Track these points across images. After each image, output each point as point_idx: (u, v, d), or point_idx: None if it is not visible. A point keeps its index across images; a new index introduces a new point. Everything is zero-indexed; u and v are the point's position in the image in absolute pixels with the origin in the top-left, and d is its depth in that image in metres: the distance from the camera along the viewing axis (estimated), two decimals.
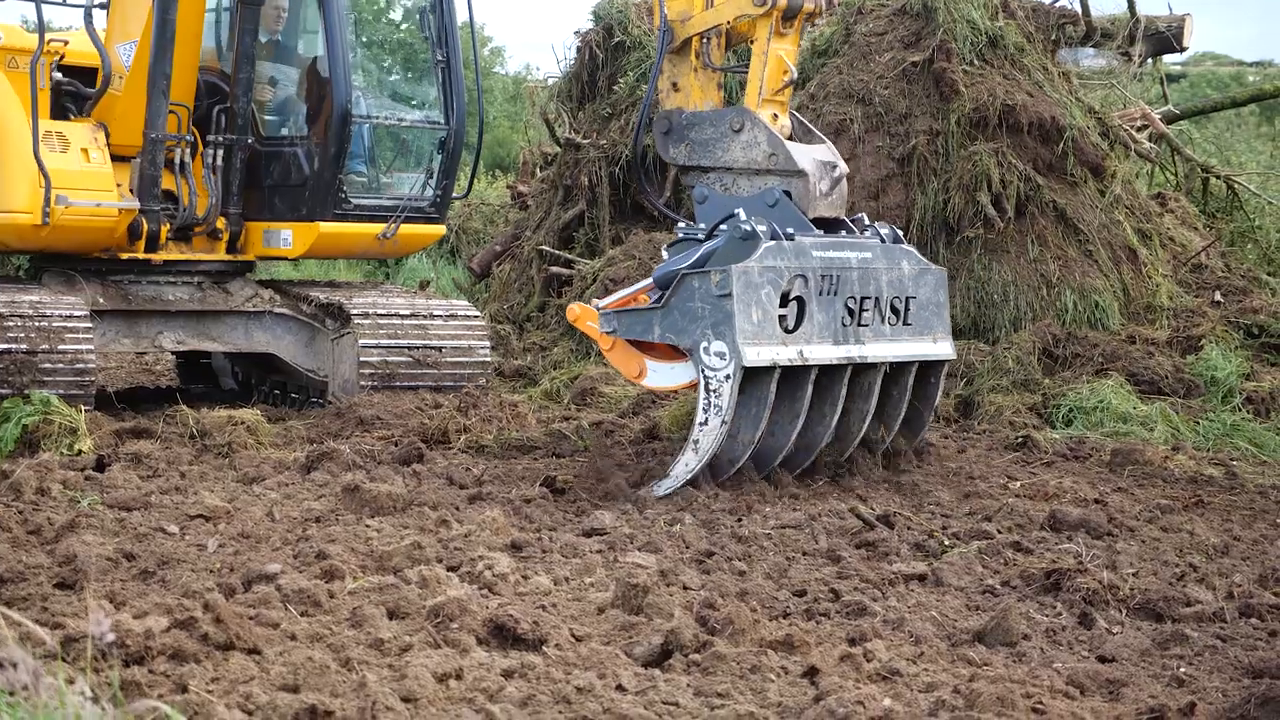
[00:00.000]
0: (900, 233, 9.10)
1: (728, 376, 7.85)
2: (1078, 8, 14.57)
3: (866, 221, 8.96)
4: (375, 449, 8.91)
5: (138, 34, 10.52)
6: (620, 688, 4.79)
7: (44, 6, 10.38)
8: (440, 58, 11.17)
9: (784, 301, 8.10)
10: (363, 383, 10.49)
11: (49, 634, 4.42)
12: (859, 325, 8.43)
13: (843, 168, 8.90)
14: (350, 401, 10.19)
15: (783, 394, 8.09)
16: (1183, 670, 5.35)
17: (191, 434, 9.22)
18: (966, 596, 6.27)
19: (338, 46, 10.66)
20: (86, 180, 10.23)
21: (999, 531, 7.32)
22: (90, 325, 9.94)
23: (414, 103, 11.60)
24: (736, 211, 8.38)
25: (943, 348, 8.95)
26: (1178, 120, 16.25)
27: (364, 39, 11.33)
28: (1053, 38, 14.13)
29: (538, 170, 17.68)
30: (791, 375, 8.11)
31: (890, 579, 6.42)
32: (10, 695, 3.41)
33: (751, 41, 8.80)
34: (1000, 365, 11.48)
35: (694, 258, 8.30)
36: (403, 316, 10.78)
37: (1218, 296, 12.96)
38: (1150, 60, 16.32)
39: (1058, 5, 14.61)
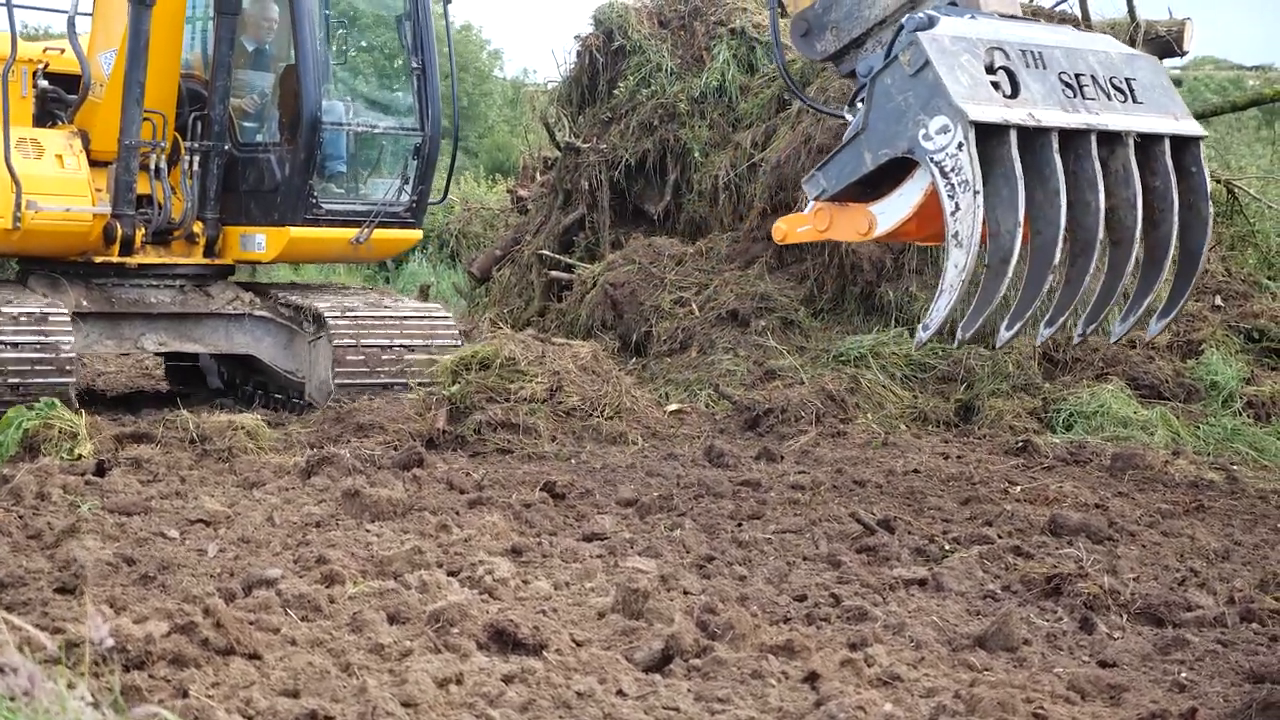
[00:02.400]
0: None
1: (960, 144, 6.84)
2: (1077, 12, 14.58)
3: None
4: (375, 454, 8.91)
5: (117, 43, 10.72)
6: (621, 693, 4.78)
7: (40, 15, 10.77)
8: (416, 65, 11.37)
9: (990, 70, 7.10)
10: (337, 381, 10.69)
11: (49, 639, 4.42)
12: (1084, 99, 7.28)
13: None
14: (350, 406, 10.24)
15: (1031, 174, 6.98)
16: (1184, 675, 5.34)
17: (191, 439, 9.22)
18: (967, 601, 6.26)
19: (308, 55, 10.83)
20: (59, 186, 10.48)
21: (999, 536, 7.31)
22: (69, 327, 10.10)
23: (390, 109, 11.78)
24: (901, 22, 7.39)
25: (1189, 124, 7.68)
26: None
27: (340, 46, 11.51)
28: None
29: (538, 174, 17.71)
30: (1032, 151, 7.03)
31: (891, 584, 6.42)
32: (10, 700, 3.40)
33: None
34: (1000, 369, 11.48)
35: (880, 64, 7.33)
36: (377, 319, 10.93)
37: (1218, 301, 12.95)
38: None
39: (1057, 9, 14.62)
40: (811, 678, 4.97)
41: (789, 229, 7.96)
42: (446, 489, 8.15)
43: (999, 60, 7.10)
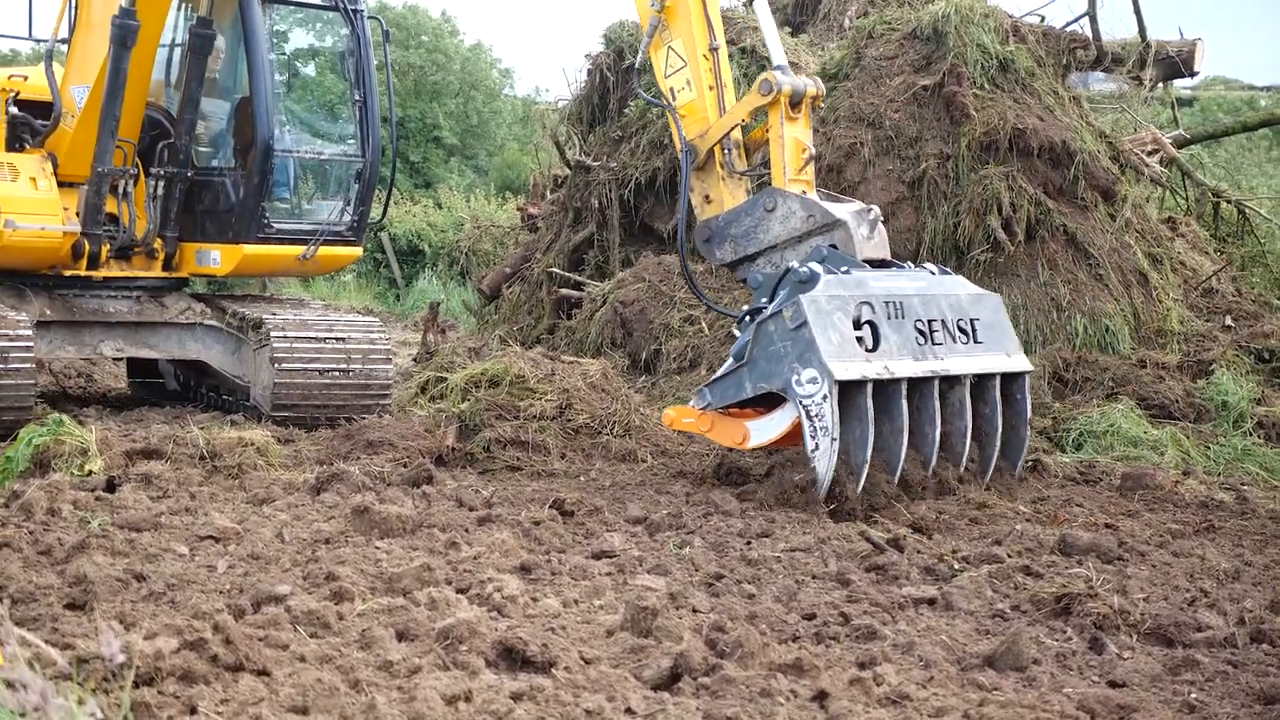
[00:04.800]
0: (948, 269, 9.57)
1: (824, 396, 8.15)
2: (1089, 32, 14.60)
3: (911, 264, 9.35)
4: (385, 471, 8.92)
5: (92, 78, 11.50)
6: (629, 711, 4.78)
7: (7, 42, 11.52)
8: (358, 97, 12.16)
9: (856, 326, 8.40)
10: (278, 381, 11.39)
11: (59, 654, 4.42)
12: (933, 344, 8.70)
13: (877, 212, 9.21)
14: (360, 424, 10.33)
15: (880, 412, 8.32)
16: (1194, 696, 5.33)
17: (201, 455, 9.24)
18: (976, 621, 6.25)
19: (262, 86, 11.61)
20: (33, 206, 11.32)
21: (1009, 555, 7.30)
22: (30, 334, 10.85)
23: (333, 137, 12.63)
24: (790, 265, 8.77)
25: (1019, 360, 9.23)
26: (1188, 145, 16.26)
27: (287, 79, 12.16)
28: (1063, 62, 14.16)
29: (548, 192, 17.74)
30: (884, 393, 8.36)
31: (900, 603, 6.41)
32: (21, 716, 3.41)
33: (766, 135, 9.30)
34: None
35: (766, 313, 8.55)
36: (316, 329, 11.73)
37: (1228, 321, 12.95)
38: (1161, 85, 16.35)
39: (1069, 30, 14.65)
40: (820, 697, 4.96)
41: (677, 417, 9.01)
42: (456, 506, 8.16)
43: (865, 315, 8.46)
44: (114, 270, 11.88)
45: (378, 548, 6.95)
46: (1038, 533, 7.78)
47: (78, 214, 11.56)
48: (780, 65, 9.37)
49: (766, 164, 9.52)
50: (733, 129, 9.38)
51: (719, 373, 8.85)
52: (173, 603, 5.85)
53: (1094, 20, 14.51)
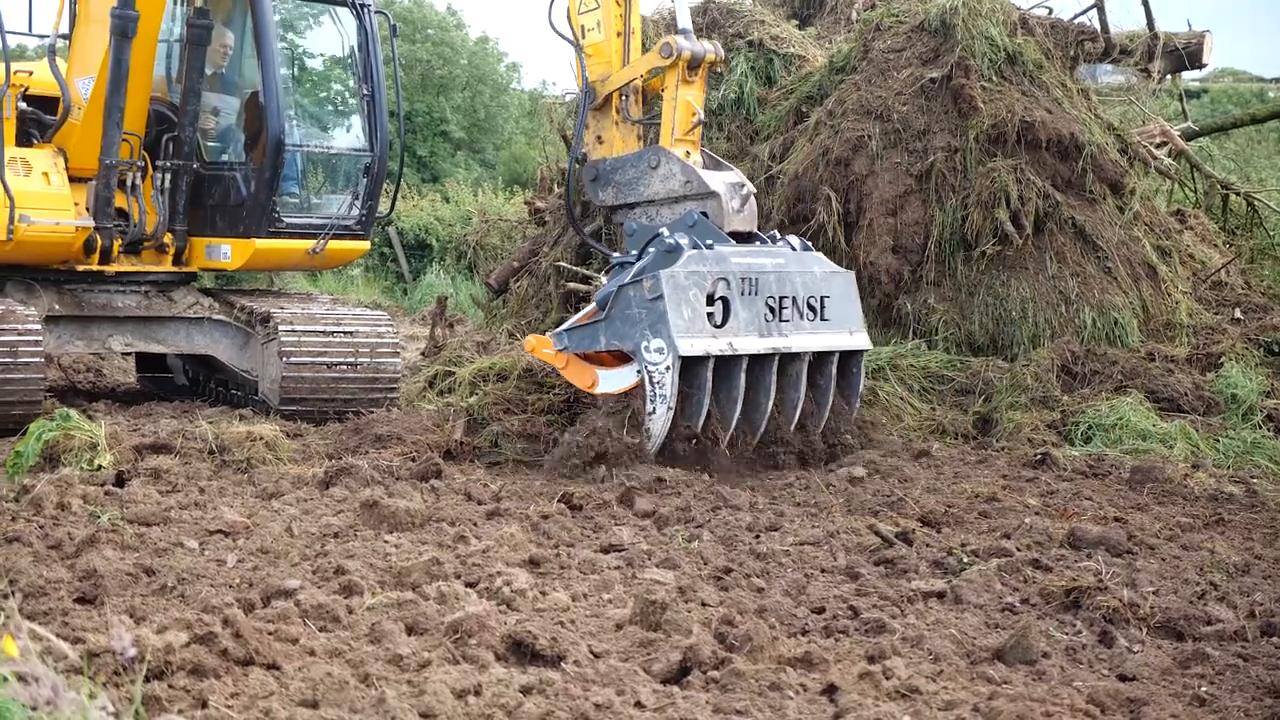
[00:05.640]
0: (810, 244, 10.17)
1: (668, 368, 8.95)
2: (1096, 25, 14.56)
3: (778, 235, 10.00)
4: (393, 465, 8.93)
5: (95, 70, 11.55)
6: (639, 704, 4.78)
7: (7, 38, 11.30)
8: (365, 91, 12.25)
9: (710, 301, 9.14)
10: (286, 375, 11.44)
11: (70, 648, 4.43)
12: (780, 321, 9.45)
13: (750, 187, 9.97)
14: (368, 417, 10.34)
15: (719, 383, 9.14)
16: (1204, 689, 5.33)
17: (210, 450, 9.25)
18: (986, 614, 6.25)
19: (272, 81, 11.71)
20: (47, 201, 11.35)
21: (1018, 549, 7.29)
22: (39, 329, 10.93)
23: (341, 131, 12.78)
24: (661, 230, 9.50)
25: (860, 339, 9.99)
26: (1197, 137, 16.23)
27: (297, 73, 12.23)
28: (1071, 54, 14.12)
29: (555, 186, 17.71)
30: (725, 366, 9.16)
31: (909, 596, 6.41)
32: (33, 710, 3.41)
33: (662, 91, 9.95)
34: (1019, 382, 11.46)
35: (629, 275, 9.31)
36: (324, 323, 11.81)
37: (1237, 314, 12.93)
38: (1169, 77, 16.30)
39: (1076, 22, 14.61)
40: (830, 690, 4.96)
41: (537, 346, 9.67)
42: (464, 500, 8.16)
43: (720, 290, 9.19)
44: (125, 265, 11.94)
45: (387, 542, 6.95)
46: (1047, 526, 7.77)
47: (87, 208, 11.61)
48: (685, 29, 9.98)
49: (658, 115, 10.12)
50: (632, 80, 10.03)
51: (577, 318, 9.55)
52: (182, 597, 5.86)
53: (1102, 12, 14.46)
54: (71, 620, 5.31)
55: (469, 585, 6.10)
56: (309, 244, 12.05)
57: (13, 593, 5.62)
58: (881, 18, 13.84)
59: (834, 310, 9.78)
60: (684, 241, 9.30)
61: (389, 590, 5.97)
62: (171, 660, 4.60)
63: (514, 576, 6.16)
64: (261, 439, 9.36)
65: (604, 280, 9.80)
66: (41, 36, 12.60)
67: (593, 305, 9.54)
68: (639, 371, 9.06)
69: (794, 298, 9.54)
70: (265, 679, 4.69)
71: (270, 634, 5.09)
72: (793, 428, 9.55)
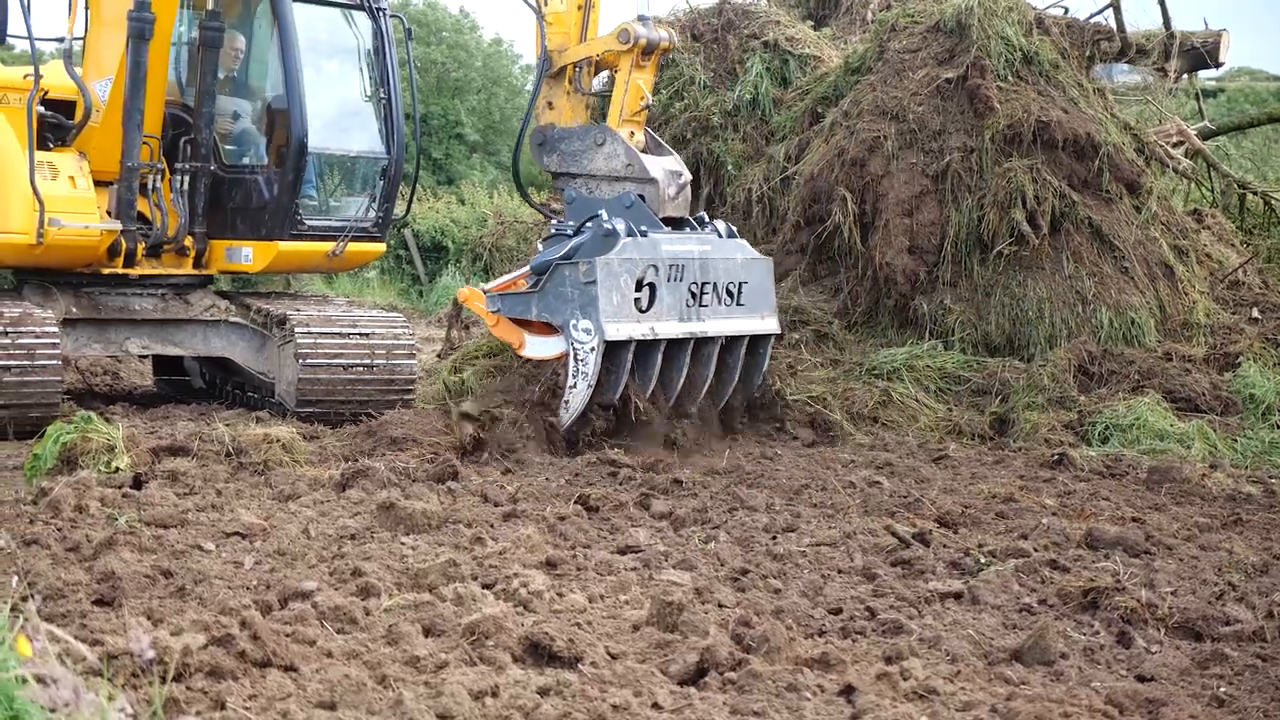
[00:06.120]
0: (735, 229, 10.86)
1: (593, 349, 9.68)
2: (1113, 24, 14.53)
3: (706, 219, 10.69)
4: (410, 466, 8.93)
5: (111, 72, 11.61)
6: (656, 705, 4.78)
7: (22, 44, 11.53)
8: (382, 95, 12.37)
9: (639, 287, 9.84)
10: (303, 377, 11.52)
11: (89, 650, 4.44)
12: (700, 305, 10.19)
13: (687, 175, 10.68)
14: (382, 419, 10.35)
15: (638, 361, 9.93)
16: (1223, 690, 5.31)
17: (227, 452, 9.26)
18: (1003, 615, 6.24)
19: (295, 86, 11.83)
20: (74, 204, 11.36)
21: (1035, 549, 7.28)
22: (57, 331, 11.00)
23: (358, 135, 12.72)
24: (600, 212, 10.09)
25: (770, 324, 10.77)
26: (1214, 136, 16.19)
27: (314, 76, 12.31)
28: (1087, 54, 14.09)
29: None
30: (644, 347, 9.92)
31: (926, 597, 6.39)
32: (52, 712, 3.42)
33: (616, 70, 10.58)
34: (1036, 382, 11.44)
35: (564, 249, 9.95)
36: (340, 325, 11.90)
37: (1255, 313, 12.89)
38: (1186, 76, 16.25)
39: (1092, 22, 14.58)
40: (847, 691, 4.96)
41: (470, 297, 10.46)
42: (481, 501, 8.17)
43: (649, 277, 9.89)
44: (146, 268, 12.00)
45: (403, 543, 6.96)
46: (1064, 526, 7.75)
47: (108, 212, 11.67)
48: (643, 16, 10.57)
49: (608, 90, 10.85)
50: (588, 56, 10.65)
51: (509, 278, 10.37)
52: (200, 599, 5.87)
53: (1118, 11, 14.43)
54: (90, 622, 5.32)
55: (486, 587, 6.10)
56: (328, 246, 12.13)
57: (32, 595, 5.63)
58: (897, 18, 13.82)
59: (749, 296, 10.54)
60: (620, 227, 9.89)
61: (406, 592, 5.97)
62: (189, 662, 4.61)
63: (531, 578, 6.16)
64: (278, 441, 9.37)
65: (540, 247, 10.35)
66: (52, 40, 12.68)
67: (526, 269, 10.25)
68: (565, 346, 9.75)
69: (715, 284, 10.28)
70: (283, 680, 4.70)
71: (288, 635, 5.09)
72: (698, 401, 10.34)
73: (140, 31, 11.28)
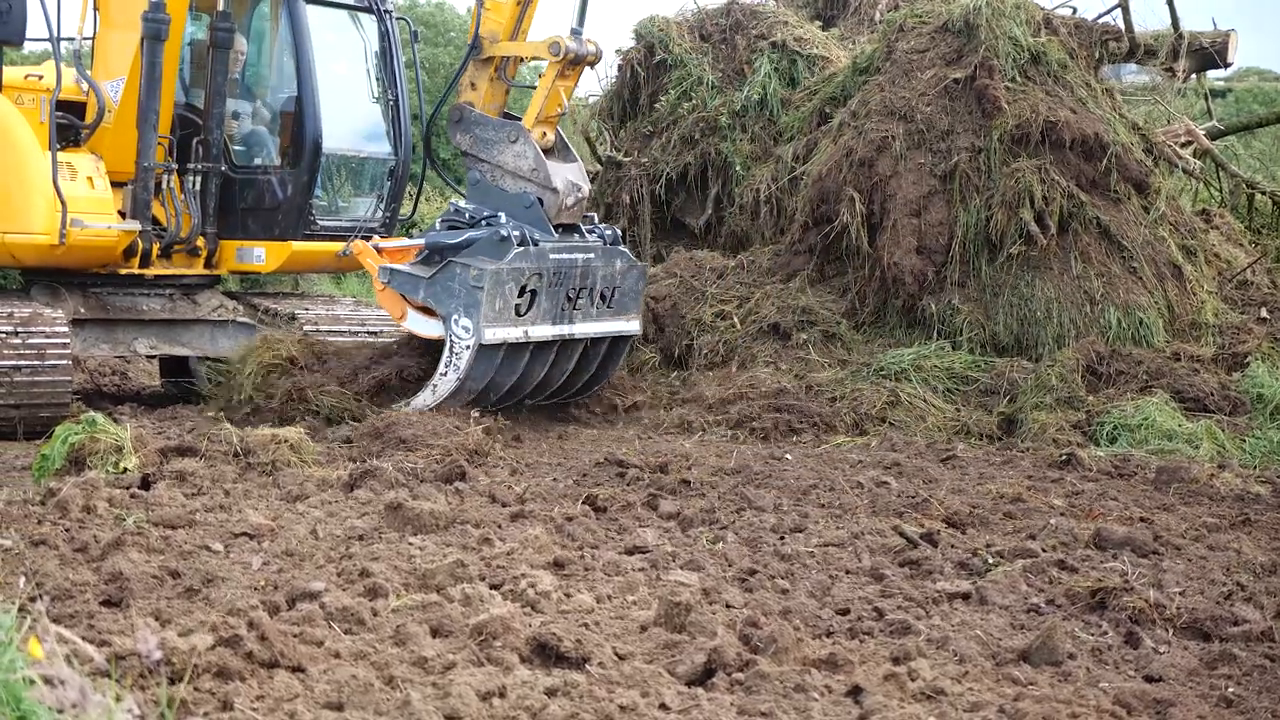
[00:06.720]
0: (620, 233, 11.66)
1: (468, 347, 10.38)
2: (1120, 24, 14.51)
3: (594, 220, 11.40)
4: (418, 467, 8.93)
5: (122, 73, 11.74)
6: (663, 706, 4.78)
7: (30, 45, 11.75)
8: (390, 97, 12.55)
9: (521, 293, 10.52)
10: None
11: (96, 651, 4.45)
12: (574, 309, 10.97)
13: (586, 189, 11.29)
14: (390, 420, 10.34)
15: (507, 356, 10.65)
16: (1231, 690, 5.30)
17: (235, 452, 9.26)
18: (1011, 615, 6.23)
19: (310, 87, 11.99)
20: (94, 205, 11.47)
21: (1043, 550, 7.27)
22: (67, 331, 11.10)
23: (366, 135, 12.88)
24: (498, 215, 10.70)
25: (632, 325, 11.66)
26: (1222, 136, 16.15)
27: (323, 77, 12.40)
28: (1096, 54, 14.08)
29: None
30: (518, 347, 10.68)
31: (934, 597, 6.39)
32: (60, 713, 3.43)
33: (541, 75, 11.07)
34: (1044, 382, 11.42)
35: (459, 240, 10.59)
36: (348, 324, 12.08)
37: (1264, 313, 12.87)
38: (1194, 76, 16.24)
39: (1100, 22, 14.57)
40: (855, 692, 4.95)
41: (364, 253, 11.11)
42: (489, 502, 8.16)
43: (532, 284, 10.58)
44: (159, 268, 12.08)
45: (411, 544, 6.96)
46: (1072, 527, 7.74)
47: (122, 213, 11.73)
48: (576, 30, 11.05)
49: (531, 84, 11.50)
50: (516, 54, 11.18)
51: (402, 244, 11.08)
52: (208, 599, 5.87)
53: (1126, 12, 14.42)
54: (98, 623, 5.32)
55: (493, 587, 6.10)
56: (338, 246, 12.17)
57: (39, 595, 5.64)
58: (905, 18, 13.81)
59: (619, 300, 11.35)
60: (515, 235, 10.49)
61: (414, 592, 5.98)
62: (197, 663, 4.61)
63: (538, 578, 6.16)
64: (286, 442, 9.37)
65: (437, 225, 10.93)
66: (68, 40, 12.74)
67: (420, 241, 10.90)
68: (443, 334, 10.44)
69: (590, 288, 11.05)
70: (290, 681, 4.70)
71: (295, 636, 5.10)
72: (554, 389, 11.26)
73: (156, 32, 11.38)
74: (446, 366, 10.45)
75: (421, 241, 10.91)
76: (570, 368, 11.24)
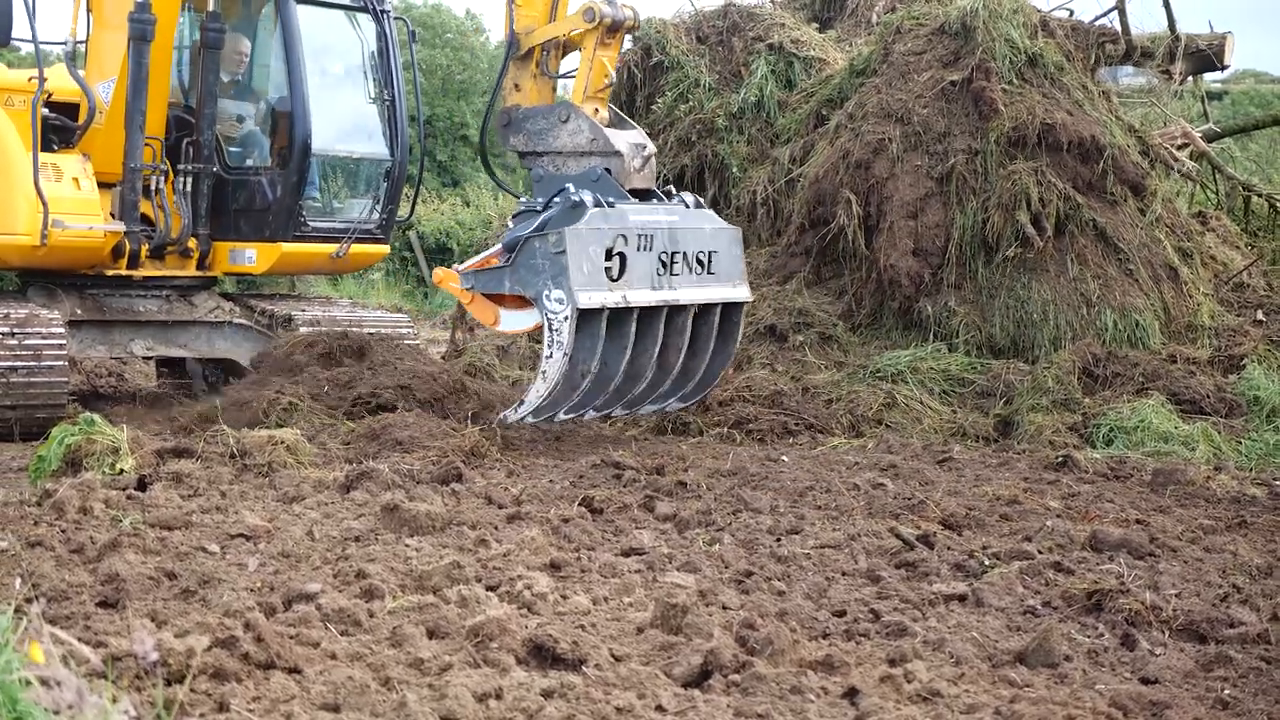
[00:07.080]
0: (702, 200, 10.96)
1: (566, 318, 9.62)
2: (1117, 26, 14.53)
3: (673, 191, 10.70)
4: (414, 468, 8.93)
5: (113, 73, 11.71)
6: (660, 708, 4.78)
7: (26, 46, 11.74)
8: (386, 97, 12.47)
9: (608, 256, 9.80)
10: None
11: (92, 652, 4.44)
12: (671, 274, 10.16)
13: (651, 148, 10.66)
14: (387, 421, 10.34)
15: (612, 332, 9.85)
16: (1227, 693, 5.30)
17: (232, 453, 9.25)
18: (1007, 617, 6.23)
19: (299, 88, 11.92)
20: (78, 206, 11.42)
21: (1040, 551, 7.27)
22: (64, 332, 11.08)
23: (362, 136, 12.83)
24: (567, 185, 10.11)
25: (741, 291, 10.75)
26: (1219, 138, 16.18)
27: (318, 78, 12.41)
28: (1092, 56, 14.09)
29: None
30: (618, 316, 9.87)
31: (930, 599, 6.39)
32: (56, 714, 3.42)
33: (581, 50, 10.59)
34: (1040, 384, 11.43)
35: (534, 225, 9.93)
36: (344, 325, 11.93)
37: (1260, 315, 12.88)
38: (1191, 78, 16.26)
39: (1097, 24, 14.58)
40: (851, 694, 4.96)
41: (445, 279, 10.32)
42: (485, 504, 8.16)
43: (619, 246, 9.82)
44: (149, 270, 12.05)
45: (407, 545, 6.96)
46: (1068, 529, 7.75)
47: (112, 214, 11.72)
48: None
49: (573, 72, 10.84)
50: (555, 36, 10.61)
51: (482, 257, 10.21)
52: (204, 601, 5.87)
53: (1123, 14, 14.43)
54: (94, 624, 5.32)
55: (490, 589, 6.10)
56: (332, 248, 12.19)
57: (36, 597, 5.64)
58: (902, 20, 13.83)
59: (720, 265, 10.52)
60: (588, 198, 9.90)
61: (410, 594, 5.98)
62: (193, 664, 4.61)
63: (535, 580, 6.15)
64: (282, 443, 9.36)
65: (510, 225, 10.38)
66: (61, 43, 12.76)
67: (499, 247, 10.17)
68: (540, 317, 9.75)
69: (684, 253, 10.23)
70: (286, 683, 4.70)
71: (291, 638, 5.10)
72: (674, 373, 10.40)
73: (142, 33, 11.35)
74: (550, 346, 9.64)
75: (499, 247, 10.22)
76: (685, 343, 10.34)
